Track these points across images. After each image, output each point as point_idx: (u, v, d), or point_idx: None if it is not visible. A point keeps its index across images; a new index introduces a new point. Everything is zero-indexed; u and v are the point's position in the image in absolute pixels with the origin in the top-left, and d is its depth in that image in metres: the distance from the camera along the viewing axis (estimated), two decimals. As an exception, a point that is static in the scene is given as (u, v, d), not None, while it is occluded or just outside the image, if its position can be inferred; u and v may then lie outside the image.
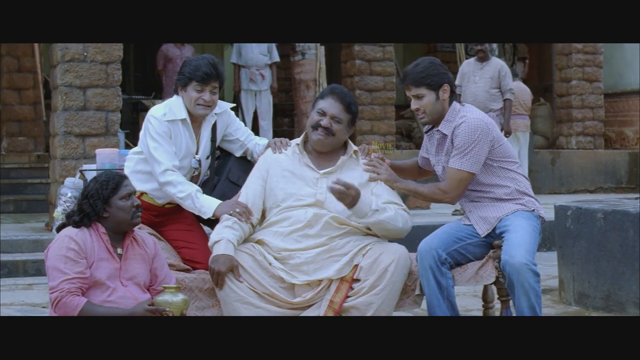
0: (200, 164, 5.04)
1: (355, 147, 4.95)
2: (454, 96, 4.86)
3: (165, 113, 4.94)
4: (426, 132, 5.01)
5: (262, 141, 5.21)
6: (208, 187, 5.07)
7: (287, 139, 5.05)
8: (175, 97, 5.03)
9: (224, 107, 5.15)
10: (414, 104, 4.84)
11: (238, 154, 5.22)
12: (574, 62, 14.87)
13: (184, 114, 4.95)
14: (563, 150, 14.71)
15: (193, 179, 5.07)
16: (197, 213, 4.91)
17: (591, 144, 14.97)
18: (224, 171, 5.13)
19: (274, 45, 12.60)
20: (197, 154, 5.03)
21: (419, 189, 4.90)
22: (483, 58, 10.58)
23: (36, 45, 12.91)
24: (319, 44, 12.77)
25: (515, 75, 12.44)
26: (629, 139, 15.42)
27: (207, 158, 5.10)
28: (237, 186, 5.03)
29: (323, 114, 4.83)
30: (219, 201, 4.87)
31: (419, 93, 4.80)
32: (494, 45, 14.16)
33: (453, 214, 10.52)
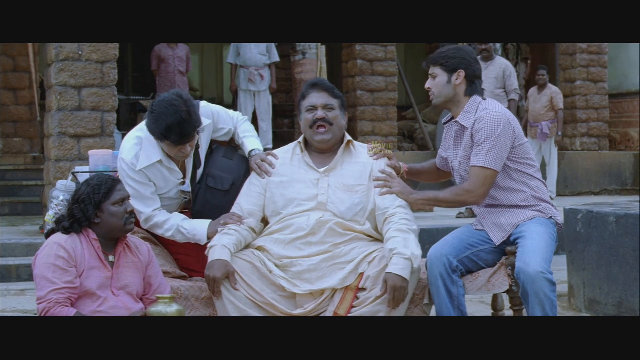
0: (189, 195, 4.79)
1: (349, 137, 4.75)
2: (475, 88, 4.65)
3: (136, 154, 4.56)
4: (445, 124, 4.80)
5: (246, 134, 4.89)
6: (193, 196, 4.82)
7: (270, 154, 4.78)
8: (146, 133, 4.54)
9: (204, 122, 4.66)
10: (427, 83, 4.71)
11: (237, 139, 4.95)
12: (579, 62, 14.72)
13: (158, 156, 4.58)
14: (567, 152, 14.51)
15: (188, 203, 4.83)
16: (193, 242, 4.67)
17: (596, 146, 14.79)
18: (203, 179, 4.79)
19: (273, 45, 12.47)
20: (184, 177, 4.74)
21: (440, 195, 4.68)
22: (487, 58, 10.43)
23: (30, 44, 12.69)
24: (320, 44, 12.60)
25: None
26: (634, 140, 15.23)
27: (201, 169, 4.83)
28: (218, 191, 4.76)
29: (314, 108, 4.65)
30: (208, 222, 4.64)
31: (433, 72, 4.67)
32: (497, 45, 14.00)
33: (457, 217, 10.33)
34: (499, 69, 10.34)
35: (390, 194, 4.59)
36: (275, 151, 4.83)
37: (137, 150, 4.59)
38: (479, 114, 4.56)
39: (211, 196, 4.76)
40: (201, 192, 4.78)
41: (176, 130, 4.38)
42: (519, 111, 13.15)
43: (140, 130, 4.64)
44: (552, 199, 12.11)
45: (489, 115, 4.53)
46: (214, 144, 4.88)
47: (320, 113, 4.63)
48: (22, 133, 13.25)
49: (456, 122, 4.67)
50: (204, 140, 4.77)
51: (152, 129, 4.47)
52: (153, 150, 4.59)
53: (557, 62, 15.32)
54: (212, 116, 4.78)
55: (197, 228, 4.64)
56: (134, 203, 4.48)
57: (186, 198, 4.80)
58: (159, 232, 4.67)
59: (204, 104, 4.76)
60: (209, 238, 4.58)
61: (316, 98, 4.67)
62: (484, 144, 4.51)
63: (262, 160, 4.72)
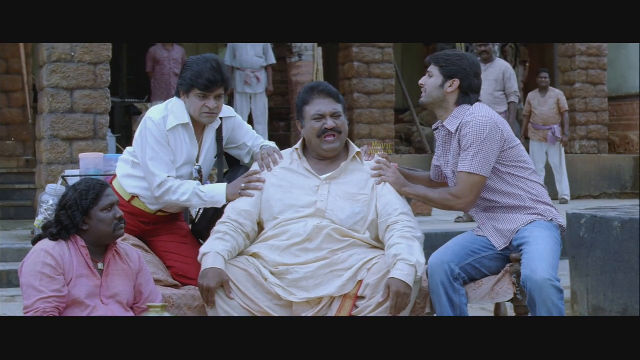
0: (200, 173, 4.68)
1: (357, 149, 4.61)
2: (467, 100, 4.53)
3: (164, 117, 4.57)
4: (434, 130, 4.68)
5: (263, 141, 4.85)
6: None
7: (276, 151, 4.68)
8: (176, 99, 4.66)
9: (230, 113, 4.78)
10: (422, 79, 4.61)
11: (247, 160, 4.87)
12: (578, 64, 14.60)
13: (186, 118, 4.59)
14: (567, 155, 14.34)
15: None
16: (210, 206, 4.59)
17: (595, 149, 14.68)
18: (235, 178, 4.75)
19: (269, 46, 12.38)
20: (197, 161, 4.68)
21: (429, 194, 4.57)
22: (487, 59, 10.31)
23: (22, 46, 12.56)
24: (316, 46, 12.50)
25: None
26: (634, 144, 15.10)
27: (213, 162, 4.79)
28: None
29: (322, 116, 4.49)
30: (225, 184, 4.56)
31: (431, 71, 4.57)
32: (496, 48, 13.88)
33: (456, 221, 10.21)
34: (498, 71, 10.22)
35: (389, 192, 4.48)
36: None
37: (165, 114, 4.59)
38: (465, 119, 4.46)
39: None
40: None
41: (205, 74, 4.49)
42: (518, 114, 13.03)
43: (169, 101, 4.68)
44: (566, 202, 12.08)
45: (474, 119, 4.42)
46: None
47: (330, 122, 4.48)
48: (15, 136, 13.10)
49: (443, 126, 4.58)
50: (225, 133, 4.75)
51: (182, 78, 4.57)
52: (181, 114, 4.59)
53: (556, 65, 15.19)
54: (235, 118, 4.80)
55: (215, 190, 4.54)
56: (150, 164, 4.50)
57: (196, 178, 4.70)
58: (173, 198, 4.52)
59: (231, 109, 4.83)
60: (228, 200, 4.51)
61: (323, 105, 4.52)
62: (469, 149, 4.40)
63: (268, 155, 4.63)
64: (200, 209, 4.85)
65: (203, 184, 4.71)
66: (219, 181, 4.80)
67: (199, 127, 4.65)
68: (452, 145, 4.52)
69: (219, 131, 4.73)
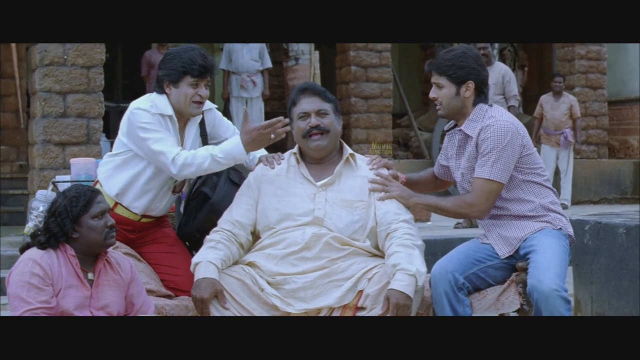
0: None
1: (350, 150, 4.48)
2: (484, 96, 4.39)
3: (151, 106, 4.45)
4: (447, 131, 4.52)
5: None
6: (208, 186, 4.61)
7: (279, 154, 4.56)
8: (155, 94, 4.52)
9: (209, 105, 4.67)
10: (432, 93, 4.43)
11: None
12: (577, 68, 14.52)
13: (170, 111, 4.47)
14: (566, 160, 14.28)
15: (177, 187, 4.62)
16: (233, 164, 4.44)
17: (595, 153, 14.59)
18: (224, 173, 4.64)
19: (265, 50, 12.31)
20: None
21: (441, 203, 4.42)
22: (486, 63, 10.14)
23: (14, 49, 12.43)
24: (313, 49, 12.40)
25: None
26: (633, 148, 15.01)
27: None
28: (238, 186, 4.56)
29: (306, 115, 4.37)
30: (236, 137, 4.38)
31: (439, 82, 4.38)
32: (495, 52, 13.78)
33: (455, 227, 10.08)
34: (498, 74, 10.10)
35: (389, 199, 4.34)
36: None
37: (150, 103, 4.47)
38: (485, 122, 4.31)
39: (231, 191, 4.55)
40: (221, 183, 4.60)
41: (197, 60, 4.41)
42: (518, 118, 12.93)
43: (150, 95, 4.58)
44: (566, 207, 11.98)
45: (496, 123, 4.27)
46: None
47: (314, 120, 4.35)
48: (8, 141, 12.97)
49: (460, 130, 4.41)
50: (207, 126, 4.65)
51: (170, 68, 4.45)
52: (164, 107, 4.48)
53: (555, 69, 15.09)
54: (214, 110, 4.71)
55: (232, 148, 4.35)
56: (155, 147, 4.35)
57: (176, 181, 4.58)
58: (191, 170, 4.35)
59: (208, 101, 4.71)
60: (247, 151, 4.37)
61: (308, 104, 4.39)
62: (489, 154, 4.25)
63: (273, 158, 4.52)
64: (184, 207, 4.75)
65: (186, 184, 4.61)
66: (195, 180, 4.69)
67: (180, 122, 4.54)
68: (467, 149, 4.38)
69: (202, 125, 4.63)
